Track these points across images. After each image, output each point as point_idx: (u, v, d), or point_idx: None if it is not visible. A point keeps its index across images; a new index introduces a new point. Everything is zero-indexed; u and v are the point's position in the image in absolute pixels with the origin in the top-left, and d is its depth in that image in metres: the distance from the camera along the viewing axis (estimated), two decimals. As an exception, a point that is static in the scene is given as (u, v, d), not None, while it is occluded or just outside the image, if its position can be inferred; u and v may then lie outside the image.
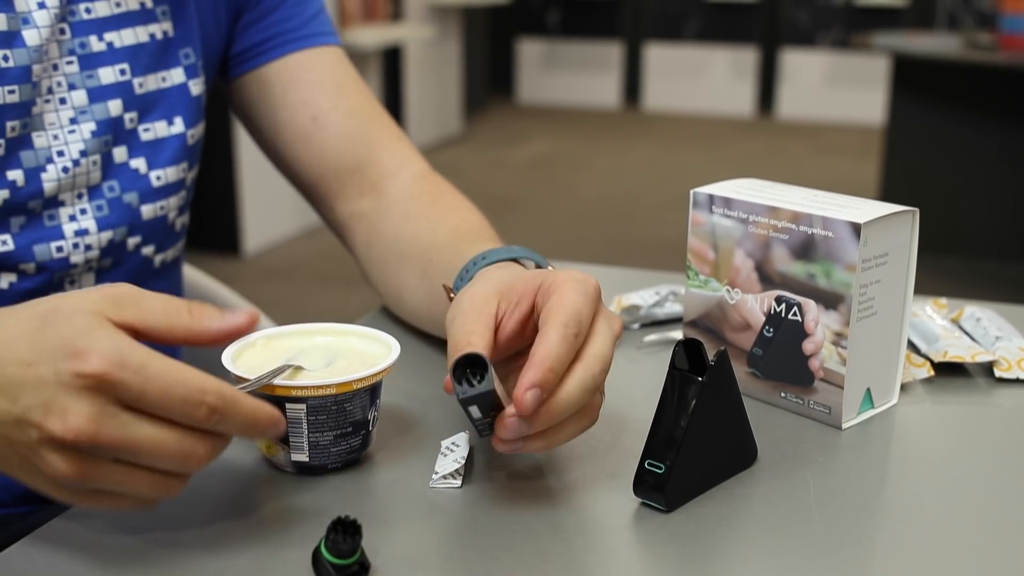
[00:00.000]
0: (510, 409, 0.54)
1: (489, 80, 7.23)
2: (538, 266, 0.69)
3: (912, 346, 0.81)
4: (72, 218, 0.75)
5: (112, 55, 0.76)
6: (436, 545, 0.54)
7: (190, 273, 1.06)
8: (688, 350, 0.58)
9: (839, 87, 6.90)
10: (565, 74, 7.58)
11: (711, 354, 0.58)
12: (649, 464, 0.57)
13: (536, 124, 6.78)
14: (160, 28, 0.79)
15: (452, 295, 0.69)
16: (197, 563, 0.52)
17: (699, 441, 0.58)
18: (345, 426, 0.60)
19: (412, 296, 0.80)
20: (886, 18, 6.63)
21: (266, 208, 3.86)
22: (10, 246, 0.72)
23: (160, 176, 0.79)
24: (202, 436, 0.50)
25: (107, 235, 0.77)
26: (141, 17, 0.77)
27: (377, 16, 4.95)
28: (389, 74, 5.30)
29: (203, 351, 1.05)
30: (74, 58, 0.74)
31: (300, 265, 3.75)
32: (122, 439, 0.47)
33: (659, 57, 7.31)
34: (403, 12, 5.37)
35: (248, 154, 3.74)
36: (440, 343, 0.82)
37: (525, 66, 7.68)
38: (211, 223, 3.80)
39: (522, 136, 6.35)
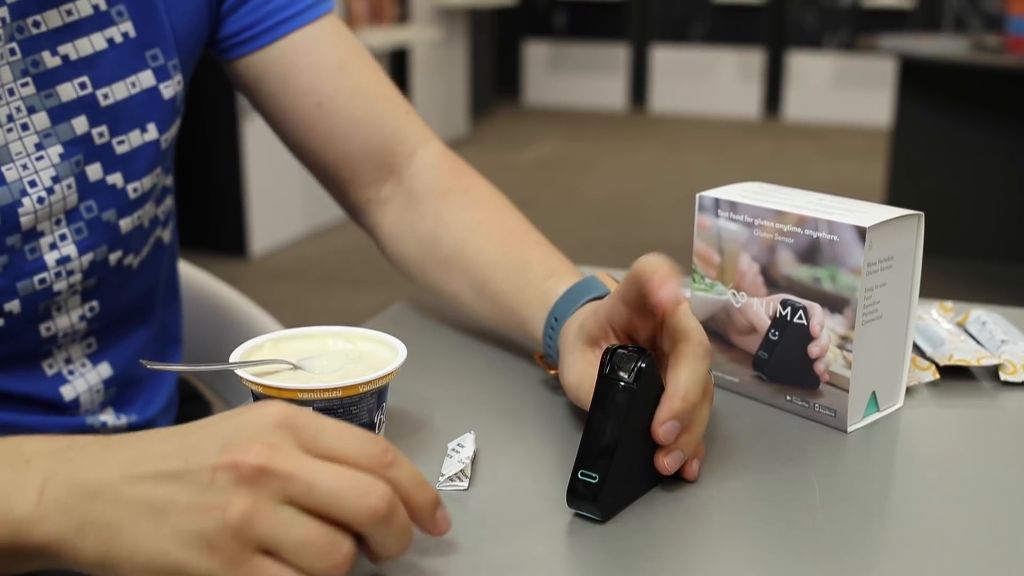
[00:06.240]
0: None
1: (496, 82, 7.24)
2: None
3: (917, 349, 0.81)
4: (53, 246, 0.71)
5: (69, 69, 0.70)
6: (442, 546, 0.54)
7: (197, 275, 1.06)
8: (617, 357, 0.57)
9: (846, 89, 6.89)
10: (571, 76, 7.58)
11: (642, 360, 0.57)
12: (582, 474, 0.56)
13: (542, 126, 6.78)
14: (119, 31, 0.72)
15: (547, 365, 0.73)
16: (204, 565, 0.52)
17: (631, 449, 0.57)
18: (352, 429, 0.60)
19: (472, 308, 0.81)
20: (893, 20, 6.62)
21: (273, 210, 3.87)
22: None
23: (137, 188, 0.76)
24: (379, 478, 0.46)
25: (88, 257, 0.73)
26: (96, 22, 0.71)
27: (384, 18, 4.96)
28: (396, 76, 5.31)
29: (202, 349, 1.05)
30: (28, 79, 0.68)
31: (307, 267, 3.76)
32: (297, 465, 0.44)
33: (665, 59, 7.31)
34: (410, 14, 5.38)
35: (255, 156, 3.75)
36: (448, 344, 0.82)
37: (532, 68, 7.68)
38: (218, 225, 3.81)
39: (528, 138, 6.35)
